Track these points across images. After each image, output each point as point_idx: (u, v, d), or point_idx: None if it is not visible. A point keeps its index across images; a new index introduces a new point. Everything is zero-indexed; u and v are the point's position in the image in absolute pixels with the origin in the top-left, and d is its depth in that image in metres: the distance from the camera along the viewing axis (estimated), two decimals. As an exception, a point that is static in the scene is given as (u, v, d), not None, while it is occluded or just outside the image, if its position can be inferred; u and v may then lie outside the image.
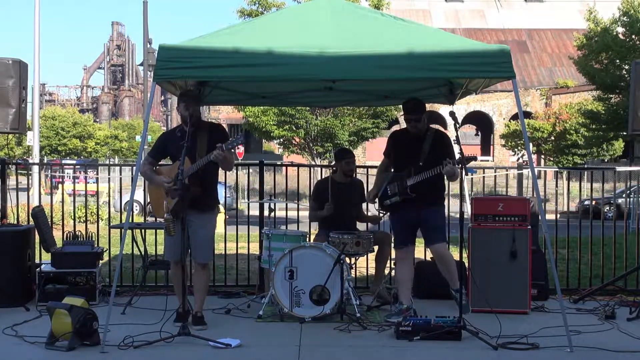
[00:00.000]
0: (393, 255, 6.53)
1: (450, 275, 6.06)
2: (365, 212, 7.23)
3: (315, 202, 6.98)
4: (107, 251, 7.27)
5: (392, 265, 6.55)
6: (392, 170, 6.26)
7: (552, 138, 29.20)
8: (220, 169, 5.75)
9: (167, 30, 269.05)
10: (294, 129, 18.55)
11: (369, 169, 8.72)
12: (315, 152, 18.89)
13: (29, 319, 5.96)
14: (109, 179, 18.15)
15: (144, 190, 6.39)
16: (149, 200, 6.07)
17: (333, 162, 7.11)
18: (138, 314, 6.12)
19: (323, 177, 7.65)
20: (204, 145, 5.61)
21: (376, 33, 5.56)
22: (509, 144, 32.33)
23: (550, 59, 46.38)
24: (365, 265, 7.74)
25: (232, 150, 5.61)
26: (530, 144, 28.34)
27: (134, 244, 7.02)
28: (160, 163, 5.99)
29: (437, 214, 6.10)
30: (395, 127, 43.34)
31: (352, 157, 6.99)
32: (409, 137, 6.13)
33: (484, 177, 18.41)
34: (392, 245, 6.36)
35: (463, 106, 41.81)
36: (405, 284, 6.07)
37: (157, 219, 6.70)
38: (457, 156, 5.50)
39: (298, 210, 8.04)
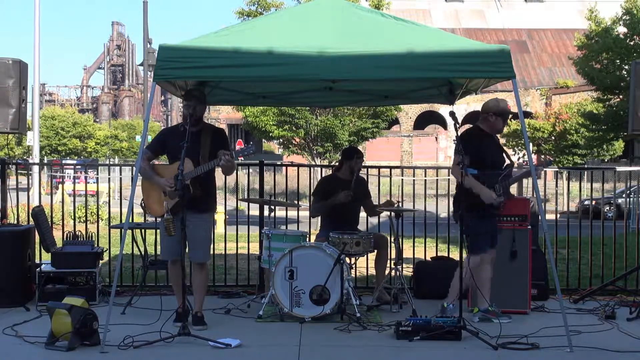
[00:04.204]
0: (393, 255, 6.54)
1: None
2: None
3: (317, 197, 6.95)
4: (107, 251, 7.27)
5: (392, 266, 6.55)
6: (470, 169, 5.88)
7: (552, 138, 29.20)
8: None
9: (167, 30, 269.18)
10: (294, 129, 18.54)
11: (369, 169, 8.74)
12: (315, 152, 18.87)
13: (29, 319, 5.96)
14: (109, 179, 18.16)
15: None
16: (142, 198, 6.04)
17: (335, 162, 7.14)
18: (138, 314, 6.12)
19: (323, 177, 7.64)
20: (207, 148, 5.62)
21: (376, 33, 5.56)
22: (509, 143, 32.33)
23: (550, 59, 46.41)
24: (365, 265, 7.74)
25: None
26: (530, 144, 28.34)
27: (134, 244, 7.02)
28: (157, 162, 5.99)
29: None
30: (396, 127, 43.50)
31: (362, 155, 7.03)
32: (486, 135, 6.02)
33: (484, 177, 18.38)
34: (397, 245, 6.35)
35: (463, 106, 41.83)
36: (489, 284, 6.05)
37: (156, 217, 6.67)
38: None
39: (298, 210, 8.04)
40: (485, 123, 6.06)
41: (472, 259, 5.88)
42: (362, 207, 7.10)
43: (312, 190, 7.23)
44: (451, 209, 6.33)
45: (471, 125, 6.22)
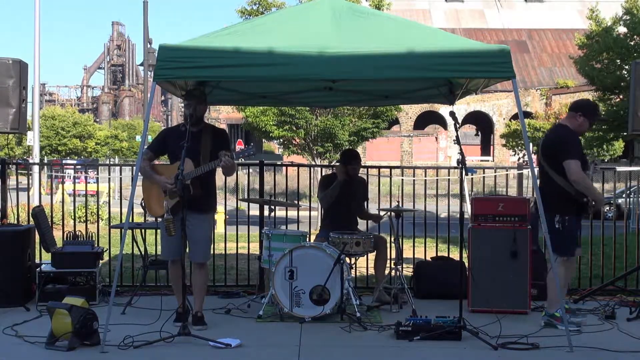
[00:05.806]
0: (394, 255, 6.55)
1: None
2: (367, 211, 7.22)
3: (322, 188, 6.93)
4: (107, 251, 7.27)
5: (392, 266, 6.55)
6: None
7: (552, 138, 29.20)
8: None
9: (167, 30, 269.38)
10: (294, 129, 18.51)
11: (369, 169, 8.74)
12: (315, 152, 18.84)
13: (29, 319, 5.97)
14: (109, 179, 18.13)
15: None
16: (142, 198, 6.05)
17: (335, 162, 7.14)
18: (138, 314, 6.12)
19: (323, 175, 7.65)
20: (207, 149, 5.62)
21: (376, 33, 5.56)
22: (510, 143, 32.33)
23: (550, 59, 46.42)
24: (365, 265, 7.74)
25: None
26: (531, 144, 28.35)
27: (134, 244, 7.02)
28: (157, 162, 5.98)
29: None
30: (396, 127, 43.50)
31: (357, 163, 6.97)
32: None
33: (484, 177, 18.40)
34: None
35: (463, 106, 41.86)
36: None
37: (156, 218, 6.69)
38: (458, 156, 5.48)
39: (298, 210, 8.04)
40: (571, 120, 5.89)
41: (568, 258, 5.79)
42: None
43: (312, 192, 7.23)
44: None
45: (560, 124, 5.99)
